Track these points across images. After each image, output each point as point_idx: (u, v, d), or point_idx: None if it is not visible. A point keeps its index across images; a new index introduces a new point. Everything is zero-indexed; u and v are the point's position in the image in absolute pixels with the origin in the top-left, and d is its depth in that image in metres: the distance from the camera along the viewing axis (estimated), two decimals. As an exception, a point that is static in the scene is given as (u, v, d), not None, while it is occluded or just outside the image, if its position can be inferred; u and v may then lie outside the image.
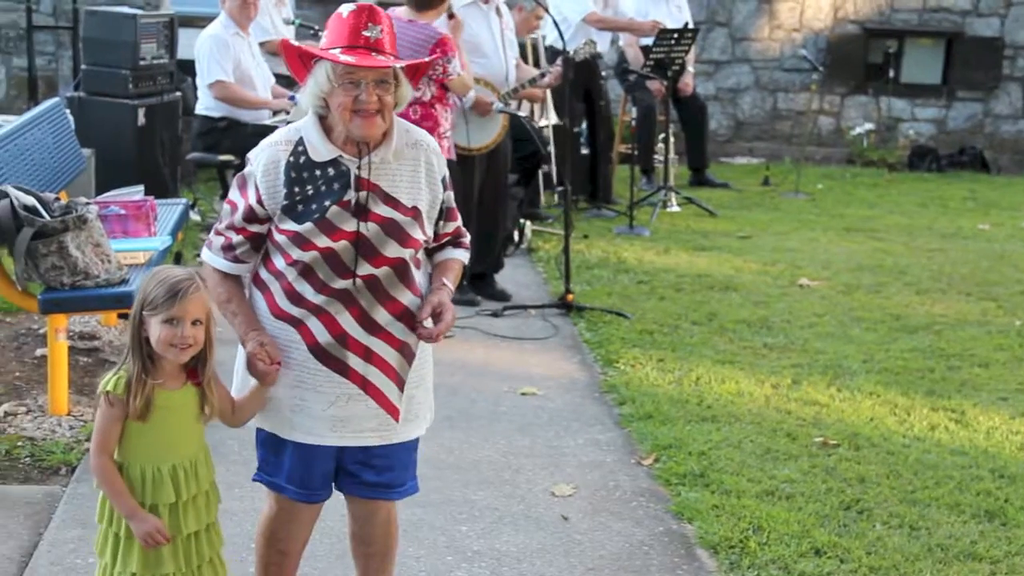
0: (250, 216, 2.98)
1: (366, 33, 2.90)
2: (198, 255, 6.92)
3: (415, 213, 3.00)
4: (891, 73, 12.75)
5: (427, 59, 3.34)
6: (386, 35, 2.93)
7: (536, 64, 8.60)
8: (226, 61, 7.67)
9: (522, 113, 7.51)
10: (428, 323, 3.03)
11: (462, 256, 3.21)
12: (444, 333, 3.03)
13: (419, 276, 3.08)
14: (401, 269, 3.00)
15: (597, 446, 4.89)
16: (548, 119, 8.51)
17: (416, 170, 3.03)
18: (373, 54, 2.89)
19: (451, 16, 6.34)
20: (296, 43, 3.03)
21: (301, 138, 2.98)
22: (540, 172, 8.75)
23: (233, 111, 7.75)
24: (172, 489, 2.86)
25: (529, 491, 4.44)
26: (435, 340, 3.04)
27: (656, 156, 10.35)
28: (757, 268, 7.93)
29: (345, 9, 2.94)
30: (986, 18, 12.87)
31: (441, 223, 3.13)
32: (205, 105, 7.81)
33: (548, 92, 8.40)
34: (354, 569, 3.35)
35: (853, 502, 4.37)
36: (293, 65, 3.01)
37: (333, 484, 3.17)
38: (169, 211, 6.12)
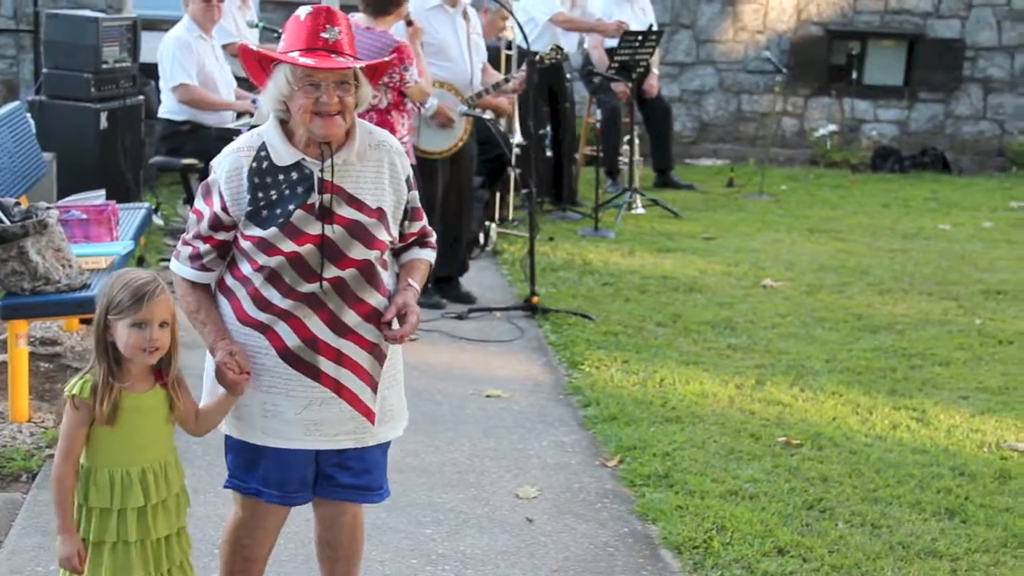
0: (216, 224, 2.97)
1: (324, 35, 2.89)
2: (161, 260, 6.94)
3: (380, 214, 3.00)
4: (854, 75, 12.86)
5: (387, 58, 3.34)
6: (344, 36, 2.92)
7: (507, 69, 8.59)
8: (190, 64, 7.62)
9: (488, 116, 7.50)
10: (394, 324, 3.03)
11: (428, 256, 3.21)
12: (409, 334, 3.03)
13: (386, 277, 3.08)
14: (368, 271, 3.00)
15: (561, 448, 4.90)
16: (513, 138, 8.46)
17: (380, 171, 3.02)
18: (332, 55, 2.89)
19: (409, 23, 6.33)
20: (254, 47, 3.02)
21: (263, 143, 2.97)
22: (506, 176, 8.72)
23: (196, 114, 7.70)
24: (141, 493, 2.85)
25: (493, 493, 4.44)
26: (400, 341, 3.04)
27: (621, 158, 10.39)
28: (721, 269, 7.97)
29: (302, 11, 2.93)
30: (947, 20, 12.99)
31: (406, 223, 3.13)
32: (168, 108, 7.76)
33: (516, 107, 8.33)
34: (320, 574, 3.34)
35: (816, 501, 4.40)
36: (252, 69, 2.99)
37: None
38: (132, 215, 6.10)
